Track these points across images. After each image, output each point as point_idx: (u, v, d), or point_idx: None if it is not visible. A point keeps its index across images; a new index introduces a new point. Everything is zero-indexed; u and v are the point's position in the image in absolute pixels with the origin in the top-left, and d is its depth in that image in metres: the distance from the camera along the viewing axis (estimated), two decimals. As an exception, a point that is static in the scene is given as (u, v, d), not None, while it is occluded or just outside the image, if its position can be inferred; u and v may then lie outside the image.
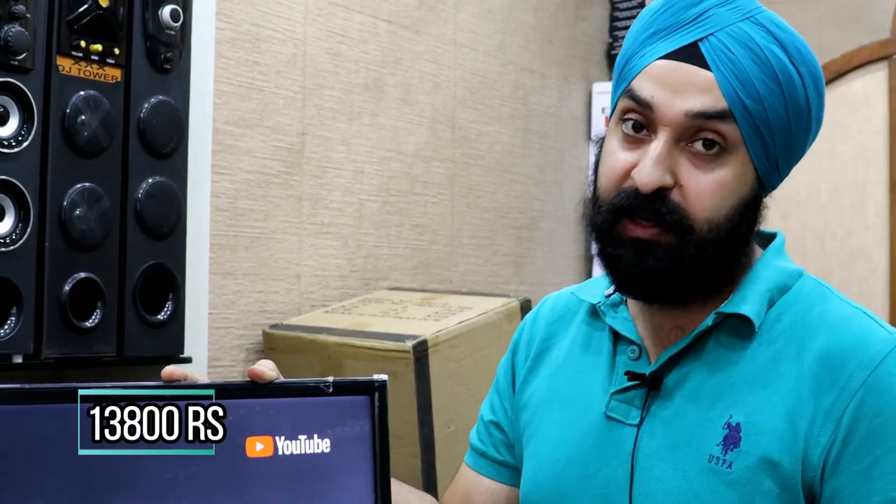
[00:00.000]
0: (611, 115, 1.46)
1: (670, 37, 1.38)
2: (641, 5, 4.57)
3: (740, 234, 1.40)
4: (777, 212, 4.19)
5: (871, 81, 4.05)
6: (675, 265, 1.37)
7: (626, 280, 1.41)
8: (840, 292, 1.48)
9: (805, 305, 1.43)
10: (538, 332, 1.67)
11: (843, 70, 4.11)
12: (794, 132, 1.39)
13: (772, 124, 1.36)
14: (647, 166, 1.35)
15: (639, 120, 1.38)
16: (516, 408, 1.65)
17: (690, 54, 1.36)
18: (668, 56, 1.37)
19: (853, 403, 1.31)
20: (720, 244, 1.37)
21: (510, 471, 1.67)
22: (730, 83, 1.34)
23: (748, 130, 1.35)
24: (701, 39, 1.35)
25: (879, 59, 4.04)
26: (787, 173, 1.46)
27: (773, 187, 1.45)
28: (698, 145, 1.35)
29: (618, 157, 1.40)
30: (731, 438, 1.36)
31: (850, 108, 4.10)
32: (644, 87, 1.37)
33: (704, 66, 1.35)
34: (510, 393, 1.68)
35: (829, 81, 4.10)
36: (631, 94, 1.39)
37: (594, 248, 1.47)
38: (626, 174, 1.38)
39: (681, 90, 1.35)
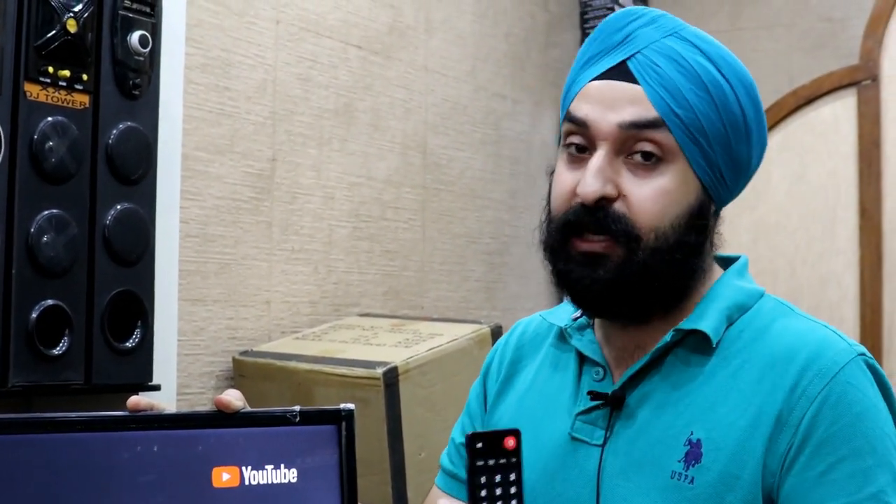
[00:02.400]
0: (558, 144, 1.51)
1: (600, 61, 1.44)
2: (612, 31, 4.57)
3: (690, 244, 1.43)
4: (747, 237, 4.20)
5: (841, 107, 4.07)
6: (624, 274, 1.40)
7: (578, 293, 1.45)
8: (801, 310, 1.50)
9: (765, 322, 1.45)
10: (507, 356, 1.69)
11: (812, 96, 4.13)
12: (734, 141, 1.43)
13: (707, 132, 1.40)
14: (587, 178, 1.40)
15: (578, 141, 1.44)
16: (487, 429, 1.65)
17: (620, 72, 1.42)
18: (599, 77, 1.43)
19: (811, 411, 1.33)
20: (669, 252, 1.40)
21: None
22: (658, 94, 1.39)
23: (683, 138, 1.40)
24: (629, 58, 1.42)
25: (849, 84, 4.06)
26: (737, 188, 1.49)
27: (724, 201, 1.49)
28: (637, 157, 1.40)
29: (564, 177, 1.45)
30: (693, 454, 1.37)
31: (820, 133, 4.11)
32: (580, 107, 1.43)
33: (633, 81, 1.41)
34: (481, 414, 1.70)
35: (799, 107, 4.12)
36: (569, 117, 1.45)
37: (548, 267, 1.50)
38: (573, 192, 1.43)
39: (613, 105, 1.41)
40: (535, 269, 4.35)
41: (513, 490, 1.30)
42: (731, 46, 1.47)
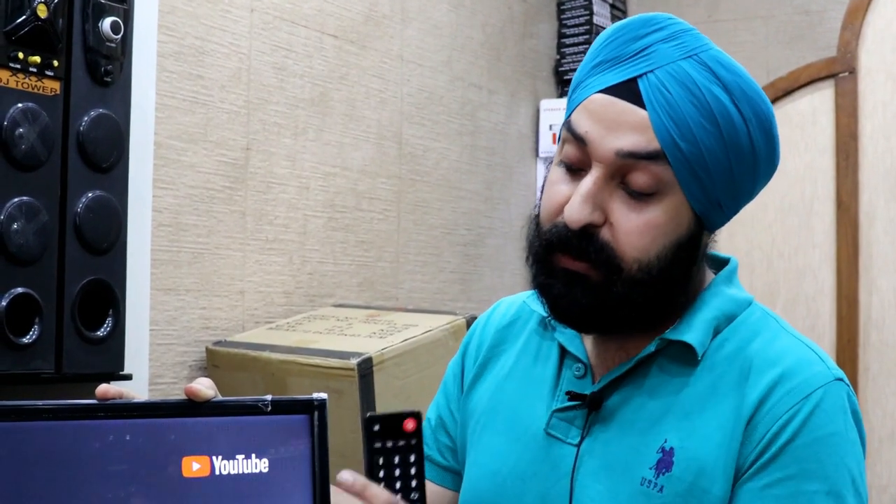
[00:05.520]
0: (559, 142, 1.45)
1: (611, 70, 1.36)
2: (589, 22, 4.58)
3: (674, 274, 1.39)
4: (724, 230, 4.19)
5: (818, 99, 4.07)
6: (601, 300, 1.37)
7: (555, 310, 1.41)
8: (787, 323, 1.48)
9: (749, 335, 1.43)
10: (487, 338, 1.67)
11: (790, 88, 4.13)
12: (737, 174, 1.38)
13: (709, 166, 1.34)
14: (575, 202, 1.35)
15: (574, 156, 1.38)
16: (464, 413, 1.64)
17: (628, 90, 1.34)
18: (606, 90, 1.36)
19: (774, 427, 1.33)
20: (651, 284, 1.37)
21: (453, 476, 1.67)
22: (664, 123, 1.32)
23: (682, 172, 1.34)
24: (640, 76, 1.34)
25: (826, 76, 4.06)
26: (734, 212, 1.46)
27: (718, 225, 1.46)
28: (630, 185, 1.35)
29: (558, 188, 1.40)
30: (664, 462, 1.36)
31: (797, 125, 4.11)
32: (581, 121, 1.37)
33: (640, 104, 1.33)
34: (458, 395, 1.68)
35: (777, 99, 4.12)
36: (569, 127, 1.38)
37: (529, 273, 1.46)
38: (561, 207, 1.38)
39: (614, 127, 1.34)
40: (511, 261, 4.34)
41: (413, 471, 1.30)
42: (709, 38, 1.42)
